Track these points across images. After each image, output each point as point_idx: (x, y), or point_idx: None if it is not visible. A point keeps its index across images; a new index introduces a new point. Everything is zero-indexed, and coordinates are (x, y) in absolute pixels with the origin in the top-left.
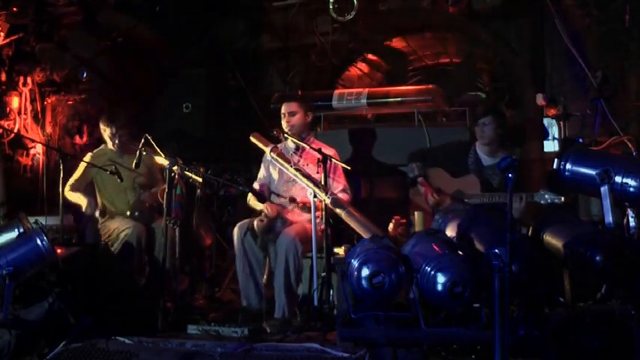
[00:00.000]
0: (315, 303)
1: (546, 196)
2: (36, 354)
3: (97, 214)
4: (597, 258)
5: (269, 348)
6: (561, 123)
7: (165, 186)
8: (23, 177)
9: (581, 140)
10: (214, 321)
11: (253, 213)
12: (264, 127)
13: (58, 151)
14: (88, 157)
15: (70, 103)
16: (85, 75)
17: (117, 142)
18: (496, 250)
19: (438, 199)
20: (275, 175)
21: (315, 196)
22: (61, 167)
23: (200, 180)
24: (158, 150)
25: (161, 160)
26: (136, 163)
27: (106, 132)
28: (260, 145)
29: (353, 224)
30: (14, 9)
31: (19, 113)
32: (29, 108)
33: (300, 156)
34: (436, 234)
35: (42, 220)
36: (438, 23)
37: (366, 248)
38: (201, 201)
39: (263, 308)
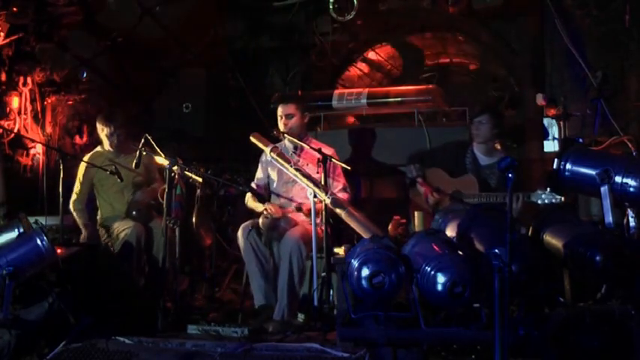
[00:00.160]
0: (315, 303)
1: (543, 196)
2: (36, 354)
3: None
4: (597, 258)
5: (269, 348)
6: (561, 123)
7: (165, 186)
8: (23, 177)
9: (581, 140)
10: (214, 321)
11: (253, 214)
12: (264, 127)
13: (58, 151)
14: (83, 165)
15: (70, 103)
16: (85, 75)
17: (115, 141)
18: (496, 250)
19: (439, 197)
20: (274, 176)
21: (315, 196)
22: (61, 167)
23: (200, 180)
24: (158, 150)
25: (161, 160)
26: (136, 163)
27: (103, 131)
28: (260, 145)
29: (353, 224)
30: (14, 9)
31: (19, 113)
32: (29, 108)
33: (299, 156)
34: (436, 234)
35: (42, 220)
36: (438, 23)
37: (366, 248)
38: (201, 201)
39: (275, 306)
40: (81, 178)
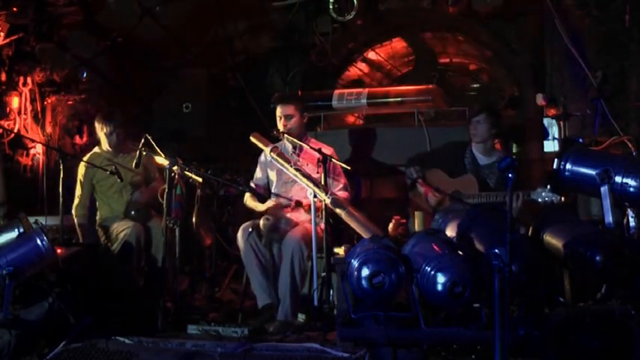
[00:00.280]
0: (315, 303)
1: (543, 194)
2: (36, 354)
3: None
4: (597, 258)
5: (269, 348)
6: (561, 123)
7: (165, 186)
8: (23, 177)
9: (581, 140)
10: (214, 321)
11: (253, 214)
12: (264, 127)
13: (58, 151)
14: (82, 166)
15: (70, 103)
16: (85, 75)
17: (114, 140)
18: (496, 250)
19: (440, 197)
20: (273, 176)
21: (315, 196)
22: (61, 167)
23: (200, 180)
24: (158, 150)
25: (161, 160)
26: (136, 164)
27: (102, 130)
28: (260, 145)
29: (353, 224)
30: (14, 9)
31: (19, 113)
32: (29, 108)
33: (299, 156)
34: (436, 234)
35: (42, 220)
36: (438, 23)
37: (366, 248)
38: (201, 201)
39: (277, 305)
40: (81, 181)
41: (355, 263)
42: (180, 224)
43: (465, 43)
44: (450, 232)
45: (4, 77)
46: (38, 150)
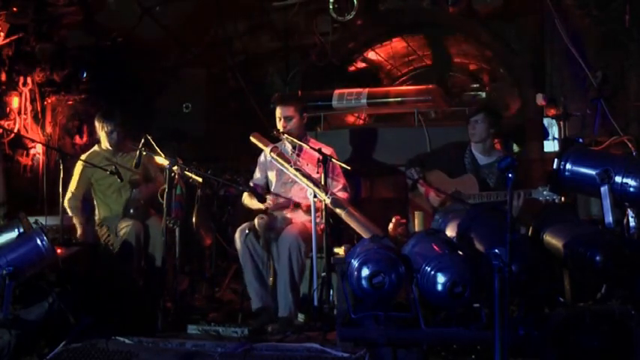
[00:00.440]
0: (315, 303)
1: (545, 193)
2: (36, 354)
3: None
4: (597, 258)
5: (269, 348)
6: (561, 123)
7: (165, 186)
8: (23, 177)
9: (581, 140)
10: (214, 321)
11: (251, 214)
12: (264, 127)
13: (58, 151)
14: (80, 164)
15: (70, 103)
16: (85, 75)
17: (114, 139)
18: (496, 250)
19: (442, 198)
20: (272, 177)
21: (315, 196)
22: (61, 167)
23: (200, 180)
24: (158, 150)
25: (161, 160)
26: (136, 163)
27: (103, 129)
28: (260, 145)
29: (353, 224)
30: (14, 9)
31: (19, 113)
32: (29, 108)
33: (299, 156)
34: (436, 234)
35: (42, 220)
36: (438, 23)
37: (366, 248)
38: (201, 201)
39: (272, 308)
40: (78, 177)
41: (355, 263)
42: (180, 224)
43: (465, 43)
44: (450, 232)
45: (4, 77)
46: (38, 150)
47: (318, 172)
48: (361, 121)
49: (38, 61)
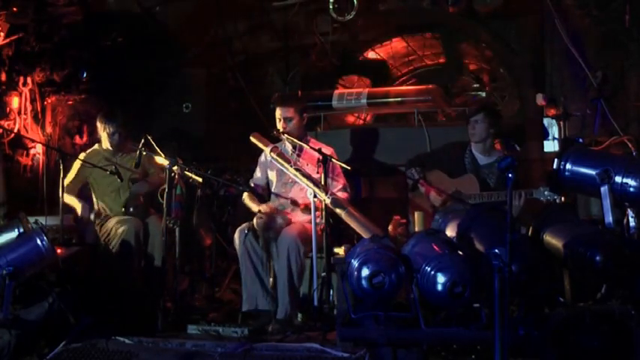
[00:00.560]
0: (315, 303)
1: (546, 192)
2: (36, 354)
3: (92, 217)
4: (597, 258)
5: (269, 348)
6: (561, 123)
7: (165, 186)
8: (23, 177)
9: (581, 140)
10: (214, 321)
11: (251, 214)
12: (264, 127)
13: (58, 151)
14: (79, 161)
15: (70, 103)
16: (85, 75)
17: (115, 140)
18: (496, 250)
19: (443, 197)
20: (273, 177)
21: (315, 196)
22: (61, 167)
23: (200, 180)
24: (158, 150)
25: (161, 160)
26: (136, 164)
27: (105, 130)
28: (260, 145)
29: (353, 224)
30: (14, 9)
31: (19, 113)
32: (29, 108)
33: (299, 156)
34: (436, 234)
35: (42, 220)
36: (438, 23)
37: (366, 248)
38: (201, 201)
39: (272, 310)
40: (74, 172)
41: (355, 263)
42: (180, 224)
43: (465, 43)
44: (450, 232)
45: (4, 77)
46: (38, 150)
47: (318, 172)
48: (361, 121)
49: (38, 61)
